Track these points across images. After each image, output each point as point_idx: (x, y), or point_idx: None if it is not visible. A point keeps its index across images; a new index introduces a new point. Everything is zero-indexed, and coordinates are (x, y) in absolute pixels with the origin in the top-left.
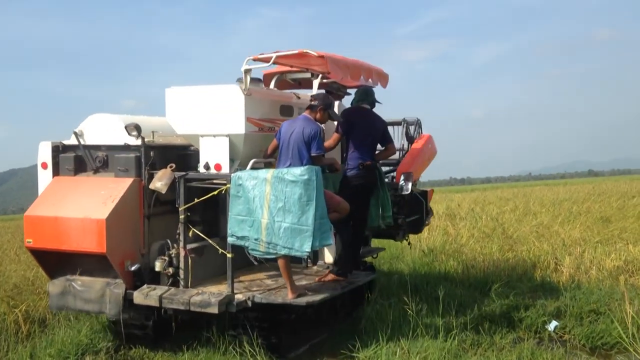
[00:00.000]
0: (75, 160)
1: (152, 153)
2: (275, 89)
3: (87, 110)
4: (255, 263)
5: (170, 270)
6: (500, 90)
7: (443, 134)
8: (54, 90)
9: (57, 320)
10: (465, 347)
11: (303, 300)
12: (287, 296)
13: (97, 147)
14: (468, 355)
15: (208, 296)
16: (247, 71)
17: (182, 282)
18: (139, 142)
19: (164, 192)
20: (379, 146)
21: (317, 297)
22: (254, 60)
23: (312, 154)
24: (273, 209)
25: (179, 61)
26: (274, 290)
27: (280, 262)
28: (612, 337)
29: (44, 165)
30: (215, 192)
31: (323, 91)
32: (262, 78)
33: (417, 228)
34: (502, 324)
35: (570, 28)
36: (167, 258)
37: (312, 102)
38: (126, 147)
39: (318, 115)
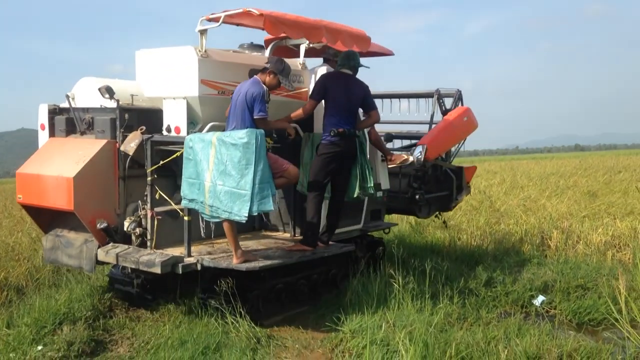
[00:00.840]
0: (67, 122)
1: (126, 115)
2: (255, 53)
3: (75, 74)
4: (202, 235)
5: (138, 230)
6: (490, 63)
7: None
8: (39, 54)
9: (37, 287)
10: (451, 321)
11: (243, 266)
12: (232, 261)
13: (85, 110)
14: (454, 329)
15: (155, 256)
16: (202, 32)
17: (148, 243)
18: (114, 104)
19: (131, 153)
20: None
21: (260, 264)
22: (208, 20)
23: (254, 117)
24: (215, 172)
25: (167, 25)
26: (229, 255)
27: (225, 226)
28: (599, 313)
29: (42, 127)
30: (174, 156)
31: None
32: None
33: (444, 205)
34: (488, 298)
35: (563, 1)
36: (135, 218)
37: (265, 65)
38: (103, 110)
39: (268, 79)
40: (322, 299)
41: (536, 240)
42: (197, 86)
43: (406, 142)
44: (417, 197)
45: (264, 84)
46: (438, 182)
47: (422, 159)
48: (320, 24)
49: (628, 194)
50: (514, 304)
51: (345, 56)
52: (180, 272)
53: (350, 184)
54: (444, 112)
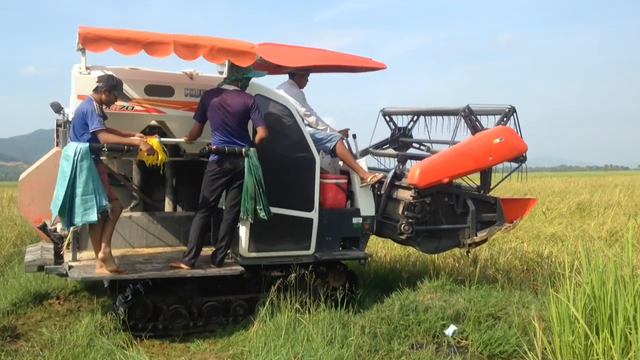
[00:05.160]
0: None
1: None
2: (141, 69)
3: None
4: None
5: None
6: (410, 84)
7: (352, 123)
8: None
9: None
10: (361, 354)
11: (79, 277)
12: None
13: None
14: None
15: (32, 257)
16: (81, 50)
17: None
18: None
19: None
20: None
21: (89, 276)
22: None
23: (90, 130)
24: (57, 182)
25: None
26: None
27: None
28: (509, 345)
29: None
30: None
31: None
32: None
33: (457, 240)
34: (400, 327)
35: (478, 30)
36: None
37: (97, 83)
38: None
39: (103, 97)
40: (228, 328)
41: (447, 264)
42: (74, 102)
43: None
44: (402, 227)
45: (101, 102)
46: (453, 213)
47: (385, 186)
48: (167, 39)
49: (534, 217)
50: (425, 334)
51: (228, 70)
52: (46, 274)
53: (241, 205)
54: (474, 132)
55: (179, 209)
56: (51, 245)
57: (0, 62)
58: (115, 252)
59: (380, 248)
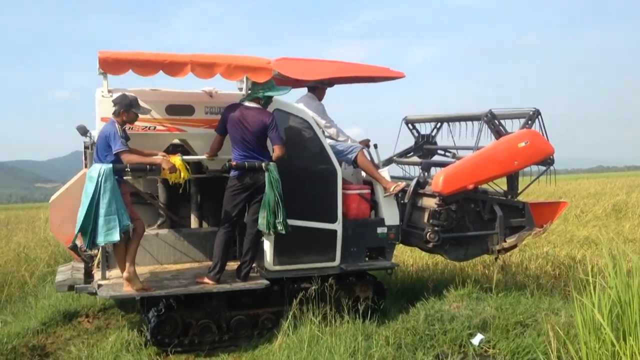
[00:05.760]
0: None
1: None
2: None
3: (16, 102)
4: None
5: (93, 251)
6: (431, 91)
7: (377, 132)
8: None
9: None
10: None
11: (108, 295)
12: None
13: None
14: None
15: (63, 276)
16: (102, 74)
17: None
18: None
19: None
20: None
21: (118, 294)
22: None
23: (114, 152)
24: (81, 202)
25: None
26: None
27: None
28: (538, 353)
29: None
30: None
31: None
32: None
33: (485, 247)
34: (426, 337)
35: (500, 34)
36: None
37: (113, 107)
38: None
39: (124, 117)
40: (252, 341)
41: (476, 271)
42: (96, 124)
43: None
44: (428, 235)
45: (123, 122)
46: (480, 219)
47: (408, 195)
48: (184, 59)
49: (567, 220)
50: (451, 344)
51: (250, 87)
52: (77, 293)
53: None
54: (498, 136)
55: (204, 224)
56: (82, 265)
57: (36, 87)
58: (144, 269)
59: (407, 257)
